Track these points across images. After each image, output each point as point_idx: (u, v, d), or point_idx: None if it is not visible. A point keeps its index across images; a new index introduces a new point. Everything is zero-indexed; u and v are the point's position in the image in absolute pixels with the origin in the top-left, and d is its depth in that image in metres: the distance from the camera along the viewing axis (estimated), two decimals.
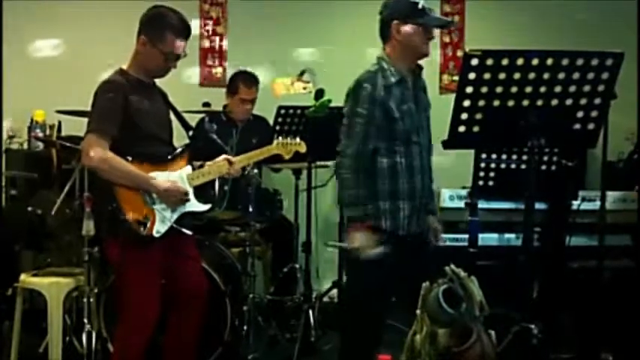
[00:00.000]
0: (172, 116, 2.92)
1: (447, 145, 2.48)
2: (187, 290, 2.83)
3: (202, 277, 2.94)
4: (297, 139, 3.22)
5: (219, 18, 4.96)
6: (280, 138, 3.20)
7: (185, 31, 2.75)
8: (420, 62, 2.78)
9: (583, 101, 2.36)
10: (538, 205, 2.68)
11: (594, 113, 2.38)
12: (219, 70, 4.94)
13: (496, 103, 2.37)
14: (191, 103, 3.73)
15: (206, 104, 3.71)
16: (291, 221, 4.19)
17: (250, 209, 3.56)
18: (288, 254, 4.12)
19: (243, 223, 3.79)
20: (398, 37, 2.62)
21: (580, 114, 2.38)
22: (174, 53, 2.71)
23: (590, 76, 2.32)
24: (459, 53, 5.12)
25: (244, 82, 4.20)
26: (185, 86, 4.70)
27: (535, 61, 2.31)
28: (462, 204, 3.59)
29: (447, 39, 5.23)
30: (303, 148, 3.23)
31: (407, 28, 2.61)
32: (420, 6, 2.60)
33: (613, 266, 3.32)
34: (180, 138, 2.95)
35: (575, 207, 3.35)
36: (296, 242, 4.11)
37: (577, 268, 3.48)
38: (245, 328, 3.47)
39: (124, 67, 2.77)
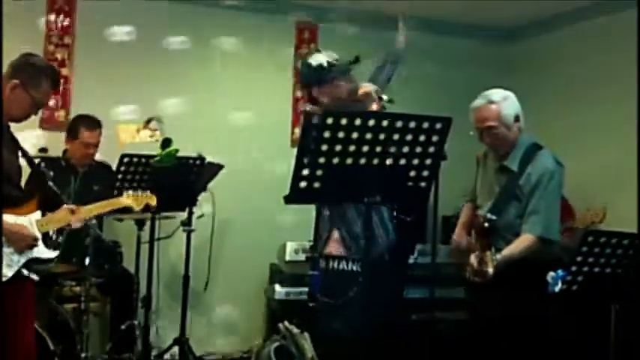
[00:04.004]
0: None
1: (288, 200, 2.50)
2: (16, 351, 2.65)
3: (33, 338, 2.79)
4: (148, 192, 3.20)
5: (64, 60, 4.76)
6: (131, 191, 3.18)
7: (58, 83, 2.84)
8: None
9: (415, 161, 2.47)
10: None
11: (425, 173, 2.50)
12: (62, 113, 4.72)
13: (335, 160, 2.42)
14: (29, 148, 3.51)
15: (43, 150, 3.53)
16: (132, 275, 4.02)
17: (87, 262, 3.38)
18: (128, 310, 3.94)
19: (79, 276, 3.58)
20: None
21: (413, 173, 2.49)
22: (44, 102, 2.75)
23: (422, 138, 2.44)
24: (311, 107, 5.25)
25: (86, 125, 4.05)
26: (22, 129, 4.42)
27: (371, 122, 2.39)
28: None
29: (299, 94, 5.34)
30: (154, 201, 3.22)
31: None
32: None
33: (447, 318, 3.48)
34: None
35: (412, 260, 3.48)
36: (136, 297, 3.94)
37: (415, 320, 3.61)
38: None
39: None
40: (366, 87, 2.84)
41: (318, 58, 2.91)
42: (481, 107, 3.01)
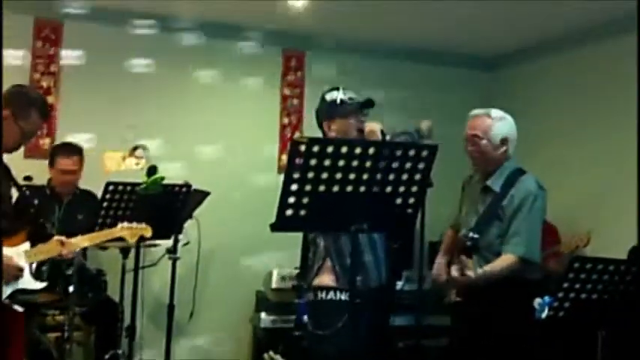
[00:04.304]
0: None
1: (274, 227, 2.49)
2: None
3: None
4: (143, 224, 3.19)
5: (50, 88, 4.76)
6: (126, 222, 3.16)
7: (48, 114, 2.87)
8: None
9: (402, 189, 2.48)
10: None
11: (412, 200, 2.51)
12: (47, 141, 4.70)
13: (322, 188, 2.42)
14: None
15: (27, 178, 3.49)
16: (116, 303, 3.97)
17: (71, 290, 3.35)
18: (112, 339, 3.88)
19: (62, 305, 3.54)
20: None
21: (399, 200, 2.50)
22: (33, 132, 2.79)
23: (408, 165, 2.45)
24: (298, 135, 5.27)
25: (62, 153, 4.08)
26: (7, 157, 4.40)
27: (358, 150, 2.40)
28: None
29: (286, 121, 5.36)
30: (149, 232, 3.20)
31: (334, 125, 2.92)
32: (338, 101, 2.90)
33: (434, 345, 3.46)
34: None
35: (398, 287, 3.48)
36: (121, 326, 3.88)
37: (401, 348, 3.59)
38: None
39: None
40: (372, 125, 2.89)
41: (333, 94, 2.99)
42: (476, 116, 3.09)
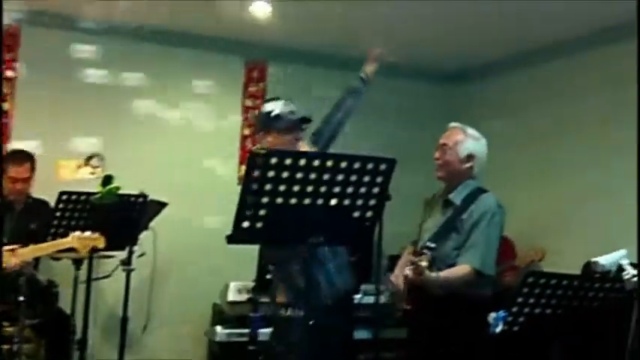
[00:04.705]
0: None
1: (230, 239, 2.46)
2: None
3: None
4: (97, 234, 3.13)
5: (6, 94, 4.64)
6: (78, 232, 3.10)
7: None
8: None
9: (360, 202, 2.48)
10: None
11: (369, 213, 2.51)
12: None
13: (279, 200, 2.40)
14: None
15: None
16: (68, 316, 3.87)
17: (21, 302, 3.26)
18: (63, 352, 3.79)
19: (12, 317, 3.44)
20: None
21: (357, 213, 2.49)
22: None
23: (366, 178, 2.45)
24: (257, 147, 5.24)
25: (13, 160, 3.99)
26: None
27: (316, 162, 2.40)
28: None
29: (247, 131, 5.33)
30: (101, 244, 3.14)
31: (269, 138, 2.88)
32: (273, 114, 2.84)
33: (392, 357, 3.46)
34: None
35: (356, 301, 3.46)
36: (72, 339, 3.79)
37: None
38: None
39: None
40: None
41: (270, 106, 2.93)
42: (453, 128, 3.15)
